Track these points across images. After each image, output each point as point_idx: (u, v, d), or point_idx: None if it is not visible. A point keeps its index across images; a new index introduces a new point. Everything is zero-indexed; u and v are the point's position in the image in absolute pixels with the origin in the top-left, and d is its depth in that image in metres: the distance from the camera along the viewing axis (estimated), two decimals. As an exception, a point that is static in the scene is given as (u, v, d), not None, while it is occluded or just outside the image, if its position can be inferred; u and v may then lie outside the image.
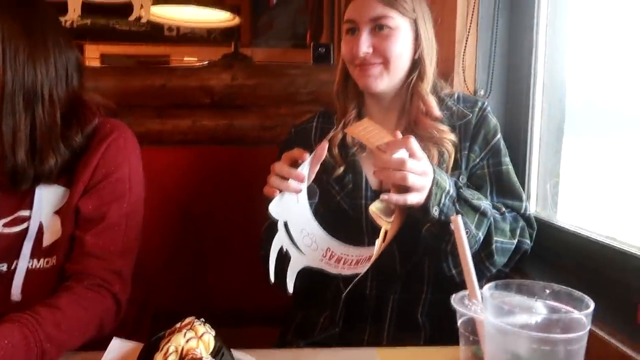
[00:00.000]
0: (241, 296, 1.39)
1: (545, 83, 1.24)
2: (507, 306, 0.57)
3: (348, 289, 0.90)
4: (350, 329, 1.06)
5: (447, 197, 0.90)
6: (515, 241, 1.01)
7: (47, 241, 0.97)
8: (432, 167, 0.89)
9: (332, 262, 0.94)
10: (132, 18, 2.10)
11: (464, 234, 0.72)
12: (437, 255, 0.95)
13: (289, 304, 1.19)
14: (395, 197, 0.85)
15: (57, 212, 0.97)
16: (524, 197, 1.08)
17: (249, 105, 1.47)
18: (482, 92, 1.27)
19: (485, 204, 0.96)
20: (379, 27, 1.01)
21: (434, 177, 0.88)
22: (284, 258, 0.94)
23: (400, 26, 1.02)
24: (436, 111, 1.05)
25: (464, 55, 1.27)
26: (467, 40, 1.27)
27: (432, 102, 1.05)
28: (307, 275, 0.97)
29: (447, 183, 0.90)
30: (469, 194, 0.95)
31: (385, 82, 1.04)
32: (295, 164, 0.93)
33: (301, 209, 0.97)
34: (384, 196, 0.85)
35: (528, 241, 1.04)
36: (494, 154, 1.07)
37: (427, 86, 1.06)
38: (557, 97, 1.24)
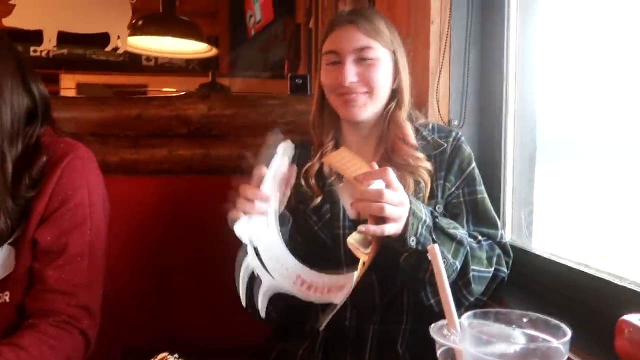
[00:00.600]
0: (216, 330, 1.35)
1: (517, 113, 1.27)
2: (485, 336, 0.57)
3: (325, 321, 0.89)
4: None
5: (424, 227, 0.90)
6: (492, 269, 1.01)
7: (1, 274, 0.90)
8: (409, 197, 0.89)
9: (302, 289, 0.92)
10: (108, 48, 2.09)
11: (442, 262, 0.72)
12: (415, 285, 0.94)
13: (266, 337, 1.17)
14: (372, 228, 0.85)
15: (11, 244, 0.90)
16: (499, 224, 1.09)
17: (225, 135, 1.47)
18: (455, 122, 1.29)
19: (461, 232, 0.97)
20: (362, 58, 1.03)
21: (410, 207, 0.88)
22: (255, 282, 0.92)
23: (381, 57, 1.04)
24: (412, 139, 1.07)
25: (437, 86, 1.30)
26: (440, 72, 1.30)
27: (409, 129, 1.07)
28: (285, 306, 0.95)
29: (424, 213, 0.91)
30: (445, 223, 0.96)
31: (369, 110, 1.06)
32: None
33: (271, 234, 0.96)
34: (361, 227, 0.85)
35: (504, 269, 1.05)
36: (468, 182, 1.08)
37: (404, 114, 1.08)
38: (529, 127, 1.27)
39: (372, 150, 1.12)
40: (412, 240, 0.88)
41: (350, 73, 1.02)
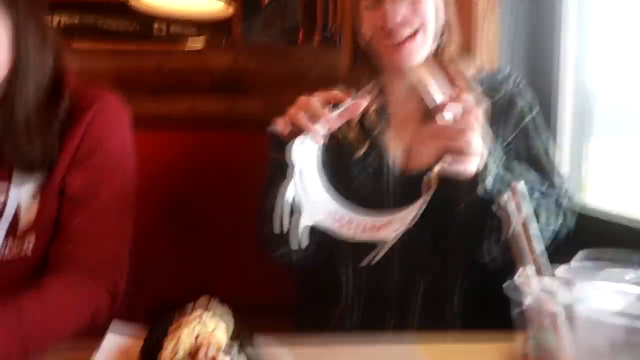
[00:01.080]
0: (242, 287, 1.29)
1: (573, 69, 1.17)
2: (596, 285, 0.47)
3: (371, 258, 0.77)
4: (369, 324, 0.96)
5: (500, 166, 0.81)
6: (559, 219, 0.92)
7: (23, 224, 0.83)
8: None
9: (343, 224, 0.82)
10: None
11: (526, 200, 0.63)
12: (476, 237, 0.85)
13: (294, 295, 1.12)
14: (455, 167, 0.75)
15: (36, 192, 0.83)
16: (561, 176, 0.98)
17: (251, 88, 1.37)
18: (507, 69, 1.19)
19: (532, 176, 0.89)
20: None
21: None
22: (294, 211, 0.81)
23: None
24: (466, 80, 0.95)
25: (486, 31, 1.19)
26: (489, 15, 1.19)
27: (461, 70, 0.96)
28: (318, 245, 0.88)
29: (498, 149, 0.83)
30: (516, 165, 0.88)
31: (422, 53, 0.94)
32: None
33: (317, 165, 0.86)
34: (441, 165, 0.75)
35: (571, 217, 0.95)
36: (525, 136, 0.97)
37: (453, 52, 0.96)
38: (584, 91, 1.18)
39: (419, 98, 1.01)
40: (489, 182, 0.79)
41: (393, 12, 0.90)
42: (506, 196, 0.63)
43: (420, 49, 0.94)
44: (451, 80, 0.93)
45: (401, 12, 0.91)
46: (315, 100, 0.80)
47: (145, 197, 1.15)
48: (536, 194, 0.88)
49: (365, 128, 0.99)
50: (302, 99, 0.81)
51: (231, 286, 1.29)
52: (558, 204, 0.93)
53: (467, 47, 1.19)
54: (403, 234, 0.76)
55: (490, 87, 0.98)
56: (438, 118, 0.75)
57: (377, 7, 0.92)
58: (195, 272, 1.31)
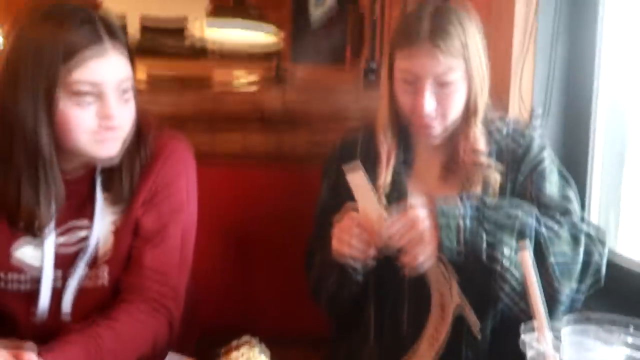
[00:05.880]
0: (287, 320, 1.38)
1: (606, 107, 1.20)
2: (587, 344, 0.54)
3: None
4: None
5: (466, 219, 0.87)
6: (580, 250, 0.92)
7: (101, 253, 0.97)
8: (432, 202, 0.89)
9: None
10: (188, 40, 2.16)
11: (530, 261, 0.69)
12: (492, 288, 0.91)
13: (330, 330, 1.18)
14: (406, 263, 0.87)
15: (114, 225, 0.97)
16: (576, 203, 1.01)
17: (298, 122, 1.48)
18: (539, 111, 1.24)
19: (526, 209, 0.91)
20: (441, 82, 0.98)
21: (435, 210, 0.87)
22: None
23: (459, 76, 0.99)
24: (482, 147, 1.02)
25: (522, 73, 1.24)
26: (524, 59, 1.24)
27: (481, 140, 1.03)
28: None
29: (460, 205, 0.88)
30: (505, 204, 0.92)
31: (444, 130, 1.03)
32: None
33: None
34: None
35: (600, 250, 0.94)
36: (538, 176, 1.02)
37: (476, 125, 1.03)
38: (618, 123, 1.20)
39: (440, 151, 1.08)
40: (453, 241, 0.86)
41: (430, 102, 0.98)
42: (508, 253, 0.70)
43: (444, 130, 1.02)
44: (469, 150, 1.02)
45: (435, 102, 0.98)
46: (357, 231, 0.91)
47: (198, 229, 1.27)
48: (543, 229, 0.90)
49: (391, 177, 1.07)
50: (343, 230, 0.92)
51: (271, 317, 1.39)
52: (574, 231, 0.94)
53: (502, 92, 1.25)
54: None
55: (508, 144, 1.04)
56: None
57: (415, 88, 0.99)
58: (240, 302, 1.40)
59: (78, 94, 0.85)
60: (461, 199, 0.90)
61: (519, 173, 1.03)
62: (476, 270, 0.90)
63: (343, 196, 1.00)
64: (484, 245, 0.87)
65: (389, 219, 0.87)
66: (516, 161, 1.03)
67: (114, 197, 0.96)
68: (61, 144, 0.90)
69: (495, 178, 1.00)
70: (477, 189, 0.99)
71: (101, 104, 0.87)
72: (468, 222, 0.87)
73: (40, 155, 0.87)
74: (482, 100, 1.03)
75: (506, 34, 1.29)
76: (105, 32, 0.86)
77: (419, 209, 0.88)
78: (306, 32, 4.41)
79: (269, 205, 1.40)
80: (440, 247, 0.87)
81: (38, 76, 0.84)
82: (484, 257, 0.88)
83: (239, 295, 1.42)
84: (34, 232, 0.92)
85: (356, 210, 0.91)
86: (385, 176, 1.07)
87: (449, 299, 1.00)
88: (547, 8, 1.25)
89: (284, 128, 1.47)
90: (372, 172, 1.06)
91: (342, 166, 0.91)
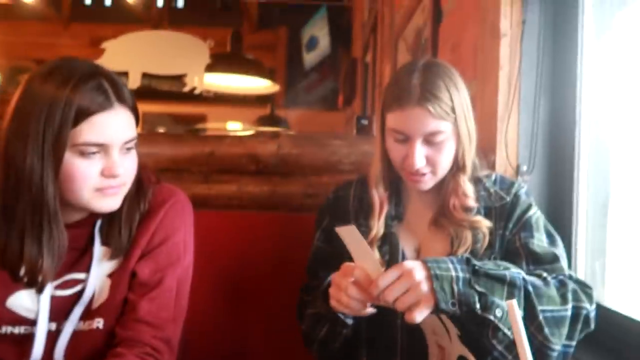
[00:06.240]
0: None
1: (589, 159, 1.25)
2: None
3: None
4: None
5: (459, 283, 0.89)
6: (569, 306, 0.94)
7: (96, 303, 0.98)
8: (425, 263, 0.89)
9: None
10: (187, 89, 2.23)
11: (518, 316, 0.72)
12: (487, 347, 0.92)
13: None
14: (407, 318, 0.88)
15: (110, 275, 0.99)
16: (564, 260, 1.04)
17: (292, 173, 1.52)
18: (524, 168, 1.29)
19: (513, 272, 0.93)
20: (430, 141, 1.03)
21: (430, 274, 0.88)
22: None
23: (448, 135, 1.03)
24: (471, 200, 1.07)
25: (506, 131, 1.30)
26: (509, 117, 1.30)
27: (469, 191, 1.07)
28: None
29: (452, 268, 0.90)
30: (492, 265, 0.94)
31: (433, 182, 1.08)
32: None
33: None
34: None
35: (587, 304, 0.95)
36: (525, 228, 1.06)
37: (465, 177, 1.08)
38: (602, 173, 1.25)
39: (430, 204, 1.12)
40: (450, 304, 0.88)
41: (419, 158, 1.03)
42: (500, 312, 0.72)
43: (433, 181, 1.07)
44: (458, 201, 1.06)
45: (424, 156, 1.03)
46: (354, 292, 0.92)
47: (193, 272, 1.27)
48: (524, 286, 0.92)
49: (383, 229, 1.10)
50: (341, 291, 0.93)
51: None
52: (563, 290, 0.96)
53: (489, 150, 1.30)
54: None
55: (496, 194, 1.09)
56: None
57: (405, 144, 1.04)
58: (232, 345, 1.41)
59: (85, 152, 0.89)
60: (452, 261, 0.92)
61: (506, 229, 1.06)
62: (470, 324, 0.92)
63: (336, 246, 1.03)
64: (477, 305, 0.89)
65: (383, 274, 0.89)
66: (503, 217, 1.07)
67: (112, 249, 0.98)
68: (64, 198, 0.92)
69: (484, 233, 1.04)
70: (467, 243, 1.02)
71: (106, 161, 0.91)
72: (461, 285, 0.88)
73: (45, 209, 0.89)
74: (470, 156, 1.08)
75: (491, 95, 1.35)
76: (114, 96, 0.91)
77: (412, 264, 0.90)
78: (299, 78, 4.54)
79: (263, 252, 1.42)
80: (436, 307, 0.88)
81: (47, 135, 0.87)
82: (478, 313, 0.89)
83: (231, 339, 1.42)
84: (35, 284, 0.93)
85: (352, 268, 0.92)
86: (378, 227, 1.10)
87: (449, 349, 1.01)
88: (529, 65, 1.32)
89: (278, 178, 1.51)
90: (364, 224, 1.10)
91: (336, 227, 0.92)
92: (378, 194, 1.12)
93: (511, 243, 1.06)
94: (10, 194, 0.91)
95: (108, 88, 0.91)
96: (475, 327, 0.91)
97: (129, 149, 0.95)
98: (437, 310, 0.88)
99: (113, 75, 0.95)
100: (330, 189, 1.35)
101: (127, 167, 0.94)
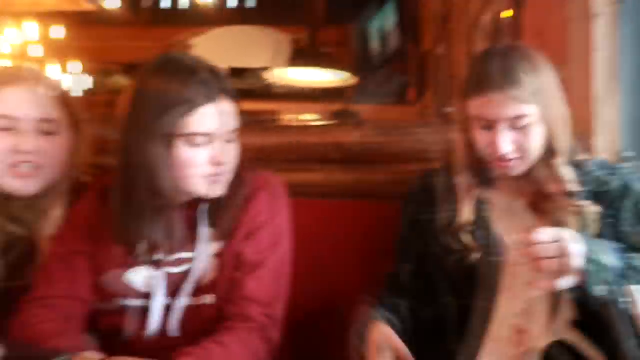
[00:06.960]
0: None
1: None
2: None
3: None
4: None
5: (611, 273, 0.87)
6: None
7: (204, 281, 1.06)
8: (588, 244, 0.88)
9: None
10: (269, 81, 2.31)
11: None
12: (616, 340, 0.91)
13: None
14: (546, 285, 0.87)
15: (216, 255, 1.06)
16: None
17: (377, 161, 1.53)
18: (629, 154, 1.23)
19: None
20: (515, 126, 1.02)
21: (587, 251, 0.86)
22: None
23: (534, 119, 1.02)
24: (574, 186, 1.03)
25: (605, 117, 1.25)
26: (608, 101, 1.25)
27: (568, 175, 1.04)
28: None
29: (609, 257, 0.88)
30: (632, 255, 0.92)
31: (523, 168, 1.06)
32: None
33: None
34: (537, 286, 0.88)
35: None
36: None
37: (561, 160, 1.05)
38: None
39: (520, 189, 1.10)
40: (603, 290, 0.86)
41: (505, 143, 1.02)
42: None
43: (522, 167, 1.05)
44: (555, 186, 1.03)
45: (511, 142, 1.02)
46: None
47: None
48: None
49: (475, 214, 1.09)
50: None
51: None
52: None
53: (584, 131, 1.25)
54: None
55: (598, 178, 1.05)
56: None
57: (490, 131, 1.04)
58: (317, 329, 1.44)
59: (193, 142, 0.96)
60: (610, 247, 0.90)
61: (620, 220, 1.03)
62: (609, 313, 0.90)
63: (422, 231, 1.06)
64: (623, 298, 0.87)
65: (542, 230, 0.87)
66: (613, 205, 1.03)
67: (217, 231, 1.05)
68: (175, 184, 1.00)
69: (593, 219, 1.01)
70: (572, 230, 0.98)
71: (212, 150, 0.98)
72: (615, 274, 0.87)
73: (161, 193, 0.97)
74: (564, 140, 1.05)
75: (585, 79, 1.30)
76: (219, 89, 0.97)
77: (572, 234, 0.88)
78: (368, 73, 4.53)
79: (350, 239, 1.44)
80: (583, 288, 0.87)
81: (160, 127, 0.95)
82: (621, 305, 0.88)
83: (313, 325, 1.45)
84: (151, 261, 1.02)
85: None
86: (468, 213, 1.10)
87: (537, 333, 0.99)
88: (628, 46, 1.25)
89: (363, 167, 1.53)
90: (451, 210, 1.10)
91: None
92: (464, 181, 1.11)
93: (630, 237, 1.02)
94: (129, 181, 0.99)
95: (212, 81, 0.97)
96: (610, 317, 0.90)
97: (231, 138, 1.01)
98: (586, 291, 0.87)
99: (215, 68, 1.02)
100: (415, 177, 1.36)
101: (230, 156, 1.01)
